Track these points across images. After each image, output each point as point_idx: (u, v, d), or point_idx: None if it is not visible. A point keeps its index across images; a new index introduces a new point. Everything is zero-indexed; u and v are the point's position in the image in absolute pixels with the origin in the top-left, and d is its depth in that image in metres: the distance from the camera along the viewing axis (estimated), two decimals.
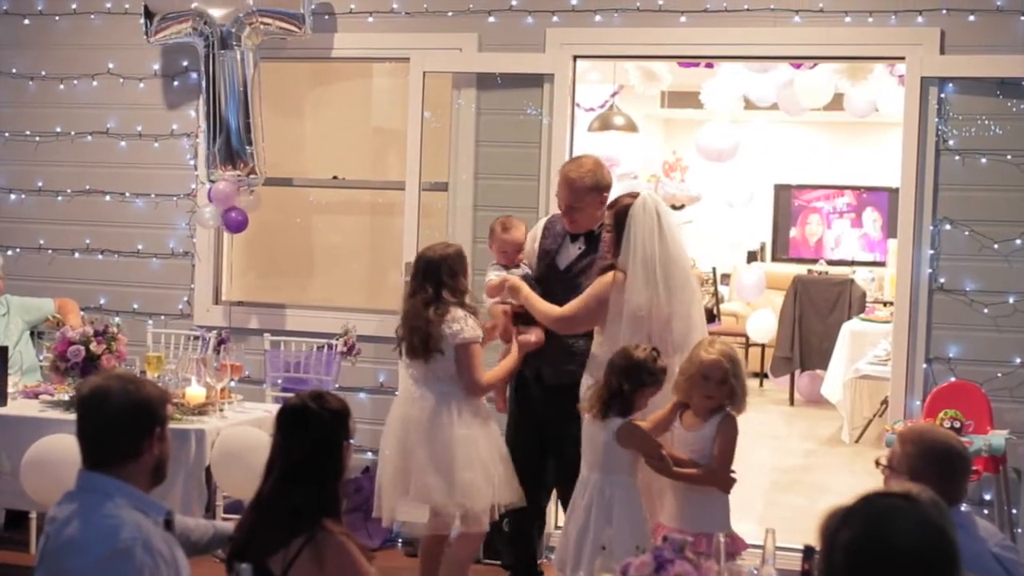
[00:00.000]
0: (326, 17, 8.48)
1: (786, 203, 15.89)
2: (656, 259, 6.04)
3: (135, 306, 9.00)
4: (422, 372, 6.33)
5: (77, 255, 9.18)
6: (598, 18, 8.08)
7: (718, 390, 5.54)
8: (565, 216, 6.70)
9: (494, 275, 6.75)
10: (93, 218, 9.14)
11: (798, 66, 11.06)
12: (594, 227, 6.64)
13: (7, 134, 9.22)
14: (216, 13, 8.27)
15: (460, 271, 6.39)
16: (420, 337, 6.26)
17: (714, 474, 5.55)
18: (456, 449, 6.21)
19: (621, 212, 6.15)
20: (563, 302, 6.44)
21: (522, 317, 6.63)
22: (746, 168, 14.24)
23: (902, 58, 7.76)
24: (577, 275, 6.61)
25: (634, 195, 6.26)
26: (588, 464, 5.72)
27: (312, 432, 4.24)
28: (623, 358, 5.62)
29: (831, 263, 14.32)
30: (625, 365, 5.59)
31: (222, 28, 8.24)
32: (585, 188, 6.58)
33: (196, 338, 8.19)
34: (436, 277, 6.32)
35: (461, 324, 6.24)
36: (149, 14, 8.52)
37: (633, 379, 5.56)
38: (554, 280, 6.67)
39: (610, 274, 6.13)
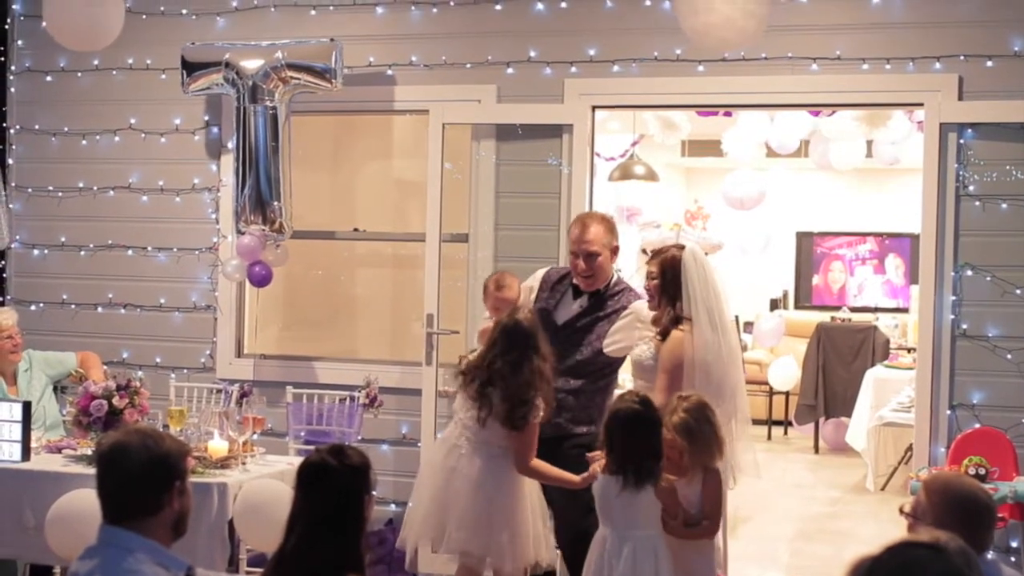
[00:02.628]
0: (347, 70, 8.52)
1: (808, 250, 15.87)
2: (715, 305, 6.10)
3: (158, 360, 9.02)
4: (476, 432, 6.21)
5: (100, 309, 9.21)
6: (616, 68, 8.11)
7: (688, 458, 5.53)
8: (582, 275, 6.70)
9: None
10: (116, 272, 9.18)
11: (817, 113, 11.08)
12: (600, 287, 6.69)
13: (30, 190, 9.27)
14: (247, 65, 8.32)
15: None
16: (483, 382, 6.08)
17: (711, 531, 5.62)
18: (497, 510, 6.13)
19: (668, 262, 6.17)
20: (560, 358, 6.31)
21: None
22: (768, 215, 14.23)
23: (921, 104, 7.77)
24: (577, 332, 6.63)
25: (679, 246, 6.29)
26: (610, 521, 5.62)
27: (333, 488, 4.21)
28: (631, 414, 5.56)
29: (854, 310, 14.29)
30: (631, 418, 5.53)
31: (252, 81, 8.29)
32: (610, 245, 6.65)
33: (218, 391, 8.19)
34: (535, 346, 6.05)
35: (528, 405, 6.03)
36: (185, 64, 8.57)
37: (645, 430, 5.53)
38: (550, 335, 6.34)
39: (678, 333, 6.12)
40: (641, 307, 6.55)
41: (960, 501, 4.12)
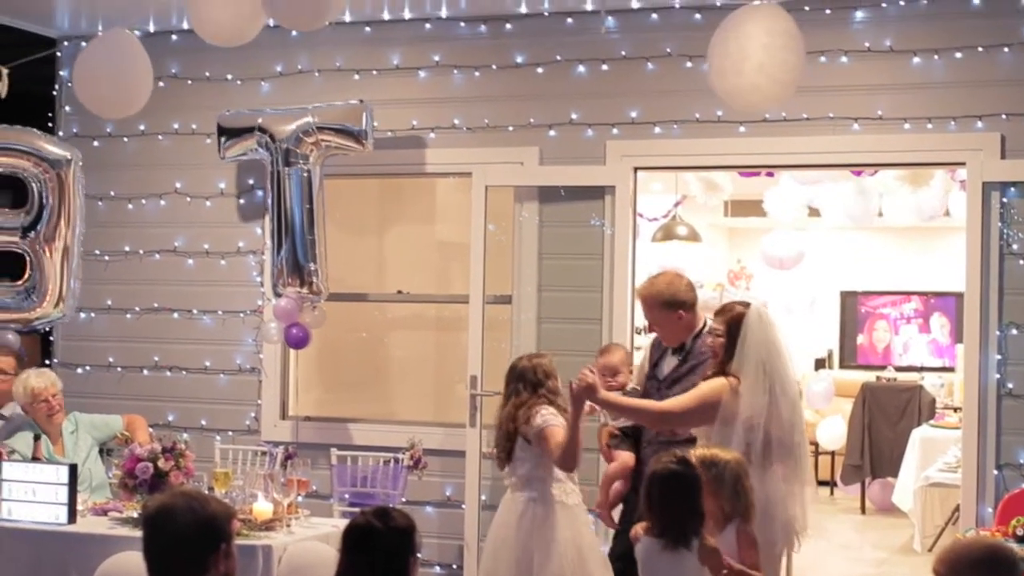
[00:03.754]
0: (389, 134, 8.60)
1: (852, 309, 15.80)
2: (771, 367, 6.06)
3: (203, 422, 9.06)
4: (511, 477, 6.45)
5: (146, 372, 9.27)
6: (658, 130, 8.15)
7: (712, 503, 5.51)
8: (652, 330, 6.80)
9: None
10: (161, 335, 9.24)
11: (859, 173, 11.07)
12: (685, 340, 6.68)
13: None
14: (279, 129, 8.41)
15: (552, 375, 6.51)
16: (507, 437, 6.37)
17: None
18: (544, 557, 6.21)
19: (734, 320, 6.16)
20: None
21: (615, 437, 6.70)
22: (811, 275, 14.20)
23: (963, 163, 7.77)
24: (671, 384, 6.66)
25: (745, 304, 6.29)
26: None
27: (379, 551, 4.22)
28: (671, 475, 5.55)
29: (899, 369, 14.21)
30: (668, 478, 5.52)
31: (285, 145, 8.37)
32: (657, 305, 6.66)
33: (263, 453, 8.22)
34: (529, 380, 6.45)
35: (546, 416, 6.34)
36: (221, 131, 8.67)
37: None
38: (654, 389, 6.74)
39: (723, 379, 6.12)
40: None
41: (981, 559, 4.07)
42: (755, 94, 6.34)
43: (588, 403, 6.37)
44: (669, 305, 6.64)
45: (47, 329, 9.39)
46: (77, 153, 8.50)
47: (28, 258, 8.42)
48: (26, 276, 8.45)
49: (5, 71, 8.28)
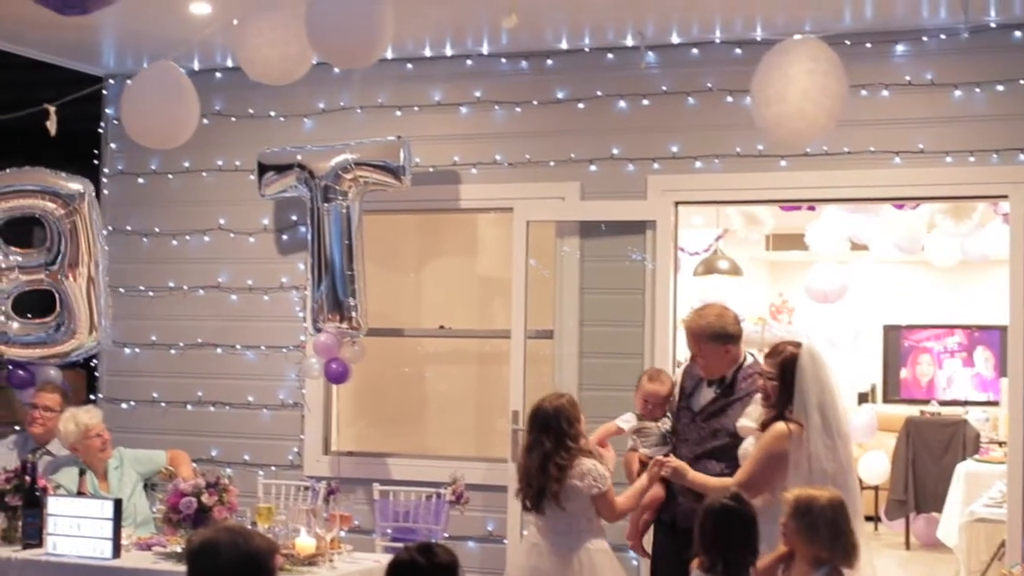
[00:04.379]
0: (430, 169, 8.63)
1: (895, 343, 15.73)
2: (828, 407, 6.03)
3: (246, 457, 9.10)
4: (542, 524, 6.41)
5: (189, 407, 9.31)
6: (699, 164, 8.16)
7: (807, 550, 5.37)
8: (695, 362, 6.75)
9: (626, 424, 6.83)
10: (205, 371, 9.28)
11: (901, 206, 11.04)
12: (726, 373, 6.65)
13: (122, 290, 9.41)
14: (318, 166, 8.46)
15: (575, 419, 6.43)
16: (538, 491, 6.34)
17: None
18: None
19: (787, 362, 6.12)
20: (696, 443, 6.54)
21: (644, 464, 6.71)
22: (854, 308, 14.14)
23: (1005, 196, 7.74)
24: (709, 418, 6.64)
25: (796, 344, 6.26)
26: None
27: None
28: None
29: (943, 403, 14.11)
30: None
31: (324, 181, 8.42)
32: (704, 337, 6.62)
33: (306, 488, 8.24)
34: (554, 428, 6.36)
35: (593, 475, 6.30)
36: (261, 168, 8.74)
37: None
38: (687, 420, 6.71)
39: (782, 426, 6.07)
40: None
41: None
42: (799, 120, 6.33)
43: (617, 426, 6.48)
44: (718, 338, 6.61)
45: (90, 363, 9.46)
46: (89, 184, 8.52)
47: (56, 294, 8.48)
48: (56, 312, 8.51)
49: (53, 110, 8.35)
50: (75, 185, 8.41)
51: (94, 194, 8.56)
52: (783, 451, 6.02)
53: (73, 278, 8.38)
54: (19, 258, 8.45)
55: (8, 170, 8.37)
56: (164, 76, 7.23)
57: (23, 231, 8.80)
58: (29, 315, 8.57)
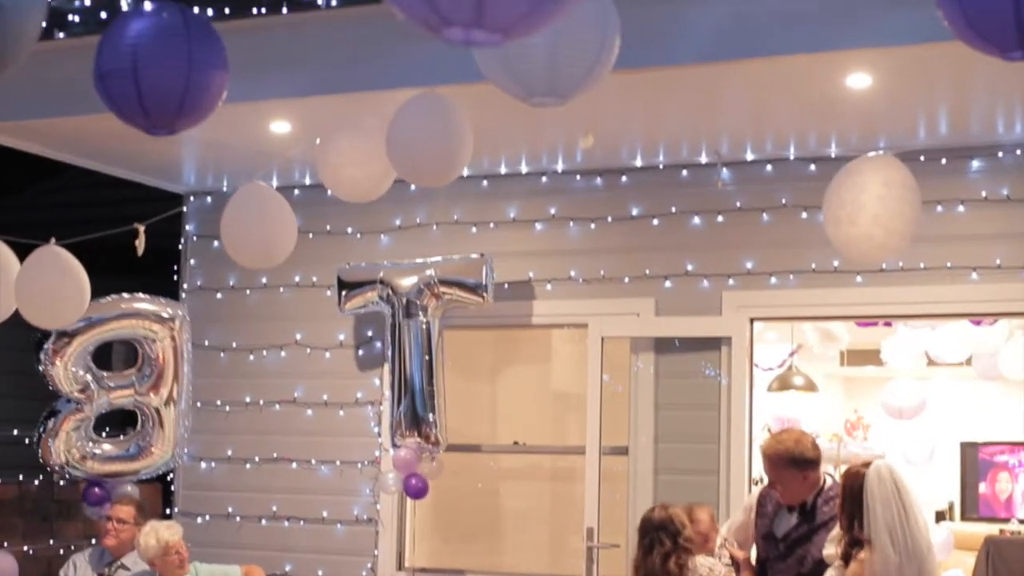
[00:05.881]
0: (506, 286, 8.68)
1: (973, 460, 15.50)
2: (901, 527, 5.97)
3: (320, 573, 9.09)
4: None
5: (264, 522, 9.33)
6: (774, 280, 8.16)
7: None
8: (774, 488, 6.71)
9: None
10: (280, 485, 9.31)
11: (978, 322, 10.96)
12: (806, 499, 6.59)
13: (199, 404, 9.48)
14: (401, 283, 8.54)
15: (687, 523, 6.53)
16: None
17: None
18: None
19: (854, 484, 6.09)
20: (784, 572, 6.50)
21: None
22: (930, 425, 13.98)
23: None
24: (793, 544, 6.58)
25: (867, 464, 6.22)
26: None
27: None
28: None
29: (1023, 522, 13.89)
30: None
31: (406, 297, 8.49)
32: (782, 463, 6.56)
33: None
34: (670, 530, 6.45)
35: (711, 567, 6.45)
36: (341, 285, 8.82)
37: None
38: (772, 549, 6.65)
39: (856, 566, 6.01)
40: None
41: None
42: (870, 244, 6.33)
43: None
44: (795, 464, 6.54)
45: (166, 477, 9.52)
46: (184, 309, 8.69)
47: (138, 412, 8.58)
48: (138, 428, 8.60)
49: (142, 228, 8.49)
50: (173, 309, 8.57)
51: (188, 319, 8.70)
52: None
53: (158, 398, 8.49)
54: (111, 382, 8.57)
55: (111, 296, 8.48)
56: (261, 196, 7.36)
57: (101, 351, 8.90)
58: (107, 429, 8.66)
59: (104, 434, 8.74)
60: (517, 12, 3.05)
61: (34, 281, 7.19)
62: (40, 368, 8.30)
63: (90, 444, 8.47)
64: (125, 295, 8.54)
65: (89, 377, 8.43)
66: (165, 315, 8.53)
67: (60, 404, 8.43)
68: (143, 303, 8.54)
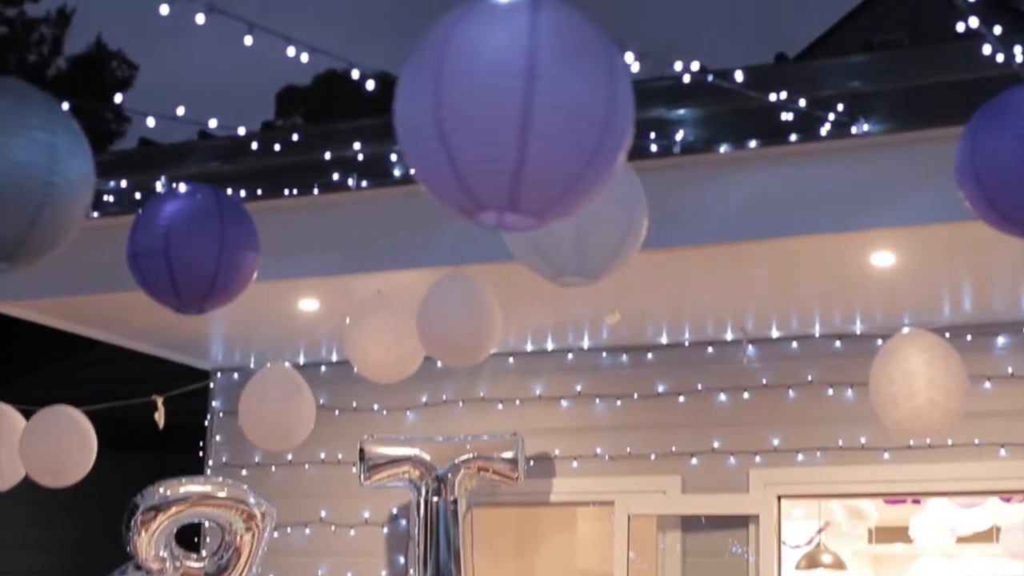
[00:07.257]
0: (531, 463, 8.66)
1: None
2: None
3: None
4: None
5: None
6: (800, 457, 8.13)
7: None
8: None
9: None
10: None
11: (1007, 500, 10.87)
12: None
13: None
14: (430, 460, 8.50)
15: None
16: None
17: None
18: None
19: None
20: None
21: None
22: None
23: None
24: None
25: None
26: None
27: None
28: None
29: None
30: None
31: (435, 474, 8.46)
32: None
33: None
34: None
35: None
36: (364, 458, 8.79)
37: None
38: None
39: None
40: None
41: None
42: (933, 410, 6.32)
43: None
44: None
45: None
46: (273, 509, 8.65)
47: None
48: None
49: (160, 401, 8.53)
50: (264, 504, 8.56)
51: (275, 516, 8.69)
52: None
53: None
54: (192, 563, 8.53)
55: (210, 486, 8.49)
56: (279, 380, 7.39)
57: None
58: None
59: None
60: (550, 196, 3.10)
61: (40, 437, 7.24)
62: (128, 535, 8.31)
63: None
64: (219, 478, 8.58)
65: (166, 553, 8.41)
66: (258, 509, 8.51)
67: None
68: (240, 493, 8.55)
